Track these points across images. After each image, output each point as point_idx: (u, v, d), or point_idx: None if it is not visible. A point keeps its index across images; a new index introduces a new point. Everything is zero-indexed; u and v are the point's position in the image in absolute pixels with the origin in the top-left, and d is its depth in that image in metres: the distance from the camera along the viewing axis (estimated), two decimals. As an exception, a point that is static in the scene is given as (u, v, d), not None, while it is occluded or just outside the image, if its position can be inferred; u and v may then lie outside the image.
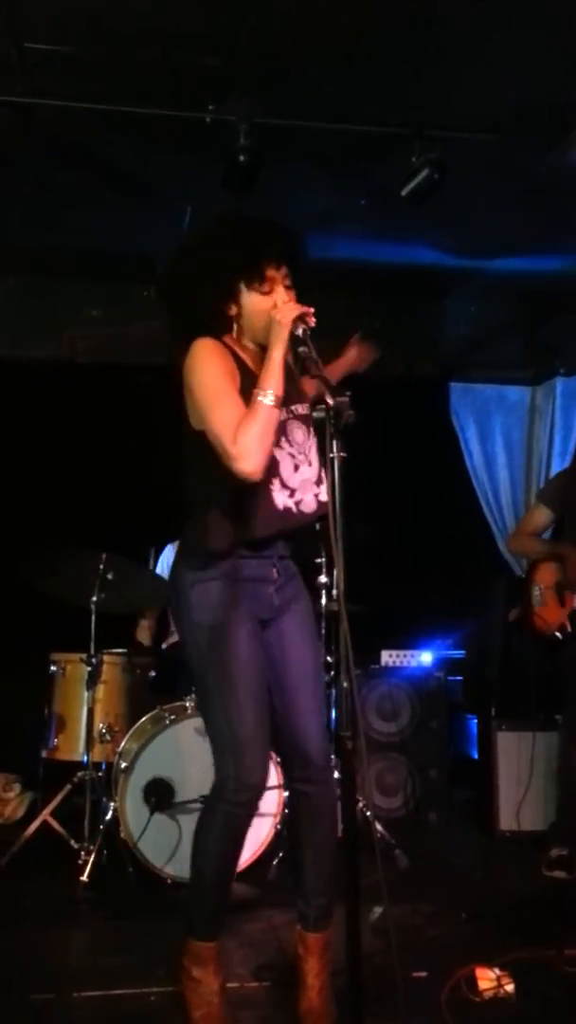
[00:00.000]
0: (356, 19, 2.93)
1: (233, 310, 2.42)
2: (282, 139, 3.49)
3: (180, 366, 2.38)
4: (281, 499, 2.36)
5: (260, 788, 2.40)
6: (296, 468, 2.40)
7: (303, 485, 2.39)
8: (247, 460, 2.20)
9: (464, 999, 2.53)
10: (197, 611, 2.39)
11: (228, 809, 2.35)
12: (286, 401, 2.33)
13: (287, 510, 2.37)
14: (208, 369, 2.33)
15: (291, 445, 2.40)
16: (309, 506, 2.40)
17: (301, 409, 2.43)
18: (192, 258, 2.47)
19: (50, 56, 3.08)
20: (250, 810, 2.39)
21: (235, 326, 2.45)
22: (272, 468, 2.33)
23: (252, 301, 2.39)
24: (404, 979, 2.34)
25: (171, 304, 2.55)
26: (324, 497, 2.39)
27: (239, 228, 2.44)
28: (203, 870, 2.41)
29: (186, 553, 2.49)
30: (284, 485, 2.37)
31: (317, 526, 2.50)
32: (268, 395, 2.22)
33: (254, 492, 2.31)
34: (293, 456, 2.40)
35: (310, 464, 2.42)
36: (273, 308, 2.32)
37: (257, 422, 2.21)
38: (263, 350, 2.34)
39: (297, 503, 2.38)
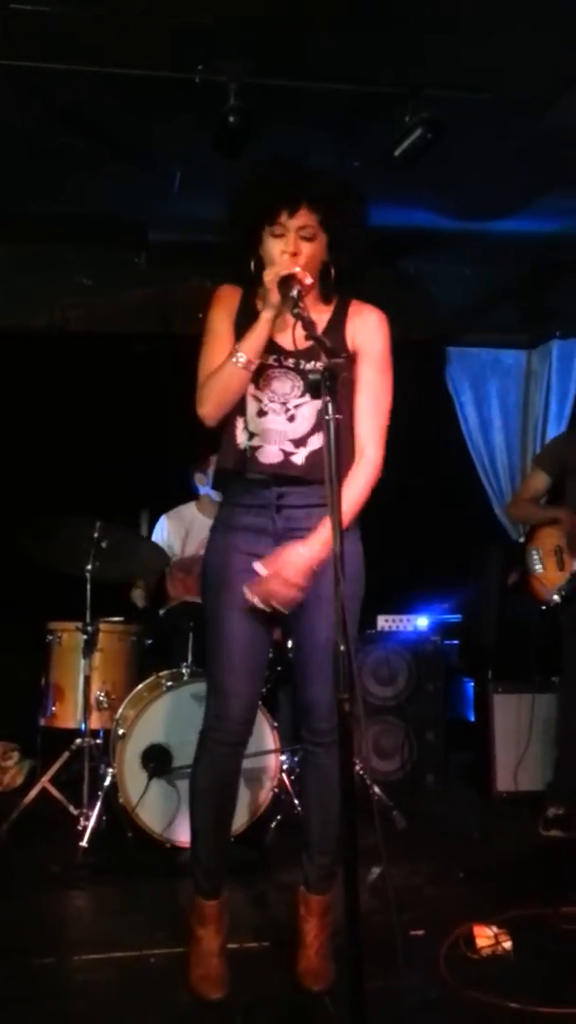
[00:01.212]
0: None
1: (262, 252, 2.40)
2: (273, 100, 3.44)
3: None
4: (242, 438, 2.42)
5: (240, 729, 2.46)
6: (261, 413, 2.40)
7: (267, 433, 2.39)
8: (202, 406, 2.41)
9: (462, 956, 2.56)
10: (207, 555, 2.52)
11: (210, 746, 2.45)
12: (289, 354, 2.39)
13: (241, 451, 2.41)
14: (209, 315, 2.50)
15: (262, 391, 2.40)
16: (268, 456, 2.38)
17: (307, 365, 2.35)
18: (232, 203, 2.45)
19: (37, 16, 3.02)
20: (231, 749, 2.45)
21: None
22: (239, 406, 2.42)
23: (267, 245, 2.37)
24: (402, 937, 2.38)
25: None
26: (299, 460, 2.37)
27: (265, 171, 2.41)
28: (194, 812, 2.49)
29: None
30: (245, 426, 2.42)
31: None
32: (239, 356, 2.32)
33: (226, 428, 2.46)
34: (260, 401, 2.40)
35: (290, 419, 2.39)
36: (274, 258, 2.32)
37: (219, 377, 2.36)
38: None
39: (254, 448, 2.40)
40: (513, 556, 4.46)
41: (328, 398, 1.89)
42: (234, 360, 2.32)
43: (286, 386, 2.40)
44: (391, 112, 3.47)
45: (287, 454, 2.38)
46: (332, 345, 2.09)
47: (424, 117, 3.41)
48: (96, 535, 3.81)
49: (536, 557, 4.03)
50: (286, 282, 2.20)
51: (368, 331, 2.47)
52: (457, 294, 5.40)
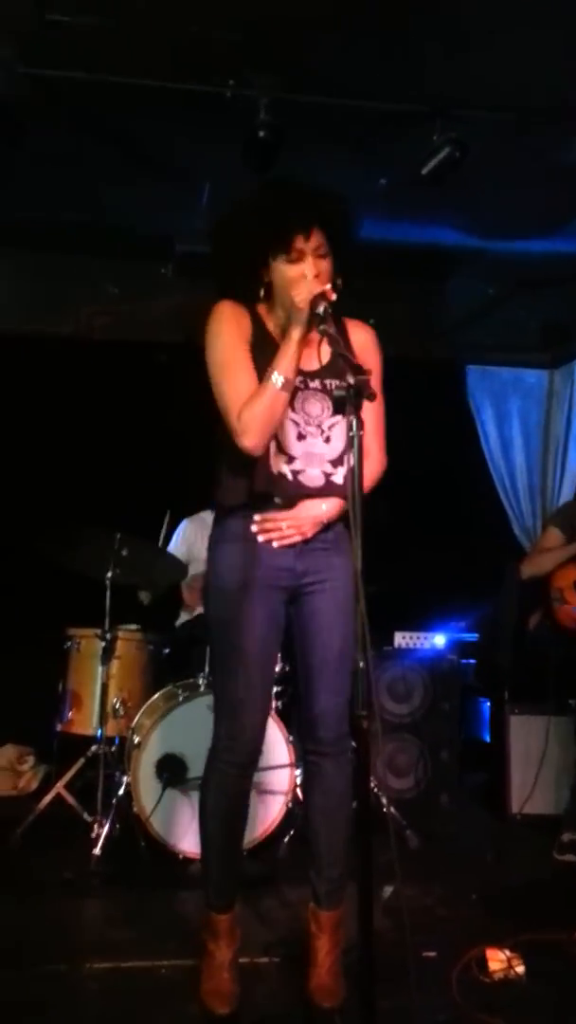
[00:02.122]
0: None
1: (267, 276, 2.40)
2: (302, 116, 3.46)
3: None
4: (278, 464, 2.37)
5: (250, 748, 2.43)
6: (300, 437, 2.38)
7: (307, 456, 2.38)
8: (248, 437, 2.29)
9: (474, 979, 2.54)
10: (212, 573, 2.46)
11: (220, 767, 2.41)
12: (314, 375, 2.37)
13: (281, 476, 2.37)
14: (220, 337, 2.39)
15: (298, 413, 2.39)
16: (312, 480, 2.38)
17: (332, 385, 2.38)
18: (227, 227, 2.46)
19: (72, 28, 3.06)
20: (241, 769, 2.42)
21: (270, 293, 2.43)
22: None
23: (280, 271, 2.37)
24: (415, 958, 2.36)
25: (213, 271, 2.55)
26: (339, 480, 2.37)
27: (270, 196, 2.43)
28: (204, 829, 2.47)
29: (215, 512, 2.56)
30: (282, 450, 2.37)
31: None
32: (278, 378, 2.27)
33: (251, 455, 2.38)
34: (298, 424, 2.38)
35: (327, 440, 2.39)
36: (298, 280, 2.30)
37: (262, 402, 2.27)
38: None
39: (295, 472, 2.38)
40: (530, 589, 4.45)
41: (352, 415, 1.89)
42: (273, 382, 2.26)
43: (317, 407, 2.40)
44: (418, 130, 3.49)
45: (327, 475, 2.39)
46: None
47: (452, 136, 3.43)
48: (116, 545, 3.83)
49: (558, 594, 4.04)
50: (315, 300, 2.21)
51: (368, 349, 2.48)
52: (480, 313, 5.40)
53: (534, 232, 4.57)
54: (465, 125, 3.44)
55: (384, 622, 4.68)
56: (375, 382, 2.41)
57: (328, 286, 2.24)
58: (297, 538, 2.36)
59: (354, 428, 1.88)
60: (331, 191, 2.39)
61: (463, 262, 5.01)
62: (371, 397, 1.93)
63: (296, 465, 2.38)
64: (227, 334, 2.39)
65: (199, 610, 4.32)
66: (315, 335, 2.29)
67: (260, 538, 2.36)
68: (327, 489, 2.38)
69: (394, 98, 3.44)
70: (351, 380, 1.91)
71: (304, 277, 2.30)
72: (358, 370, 1.96)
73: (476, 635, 5.54)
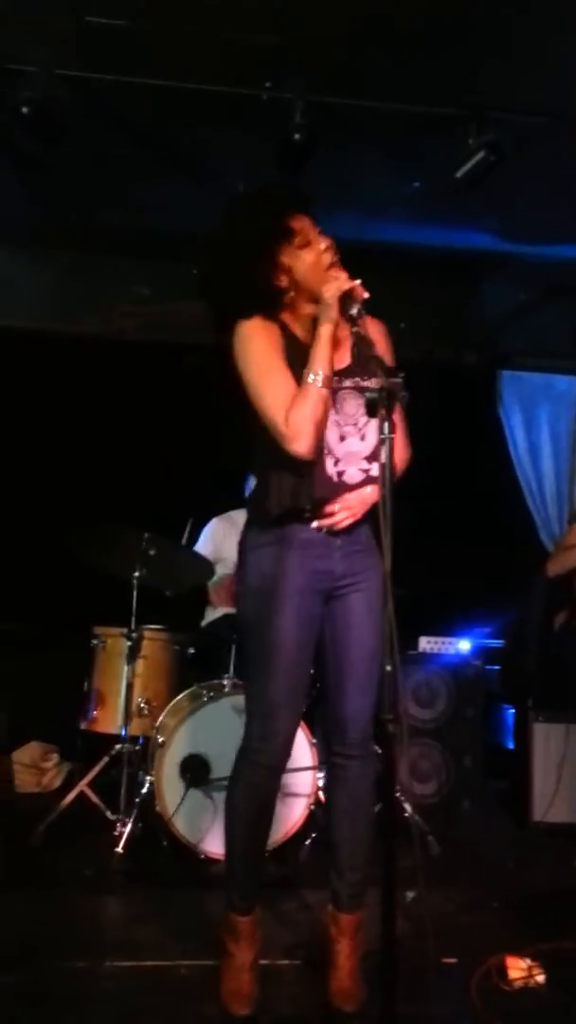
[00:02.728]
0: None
1: (283, 281, 2.38)
2: (337, 118, 3.47)
3: (228, 349, 2.40)
4: (331, 468, 2.38)
5: (282, 752, 2.42)
6: (342, 438, 2.39)
7: (347, 456, 2.38)
8: (299, 441, 2.26)
9: (494, 987, 2.52)
10: (251, 575, 2.44)
11: (250, 769, 2.41)
12: (345, 373, 2.37)
13: (330, 478, 2.38)
14: (254, 348, 2.36)
15: (338, 414, 2.38)
16: (353, 478, 2.38)
17: (363, 382, 2.36)
18: (223, 244, 2.43)
19: (109, 30, 3.08)
20: (271, 772, 2.42)
21: (289, 301, 2.42)
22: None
23: (297, 260, 2.35)
24: (435, 964, 2.35)
25: (216, 294, 2.49)
26: (375, 473, 2.33)
27: (246, 199, 2.46)
28: (229, 830, 2.47)
29: (250, 518, 2.53)
30: (330, 452, 2.38)
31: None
32: (317, 376, 2.25)
33: (304, 464, 2.34)
34: (339, 425, 2.38)
35: (362, 438, 2.39)
36: (317, 265, 2.31)
37: (307, 403, 2.25)
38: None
39: (340, 472, 2.38)
40: (558, 584, 4.42)
41: (385, 417, 1.89)
42: (312, 381, 2.25)
43: (352, 406, 2.39)
44: (451, 134, 3.49)
45: (365, 472, 2.39)
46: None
47: (488, 139, 3.42)
48: (144, 544, 3.84)
49: None
50: (346, 297, 2.20)
51: (384, 342, 2.48)
52: (511, 317, 5.38)
53: (567, 237, 4.55)
54: (501, 128, 3.43)
55: (409, 626, 4.68)
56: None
57: (359, 281, 2.24)
58: (350, 520, 2.37)
59: (386, 431, 1.87)
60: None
61: (495, 266, 4.99)
62: (404, 400, 1.92)
63: (341, 466, 2.39)
64: (260, 344, 2.36)
65: (225, 610, 4.32)
66: (343, 332, 2.30)
67: (314, 524, 2.36)
68: (366, 484, 2.39)
69: (429, 101, 3.44)
70: (378, 383, 1.90)
71: (322, 259, 2.31)
72: (391, 372, 1.96)
73: (501, 641, 5.51)
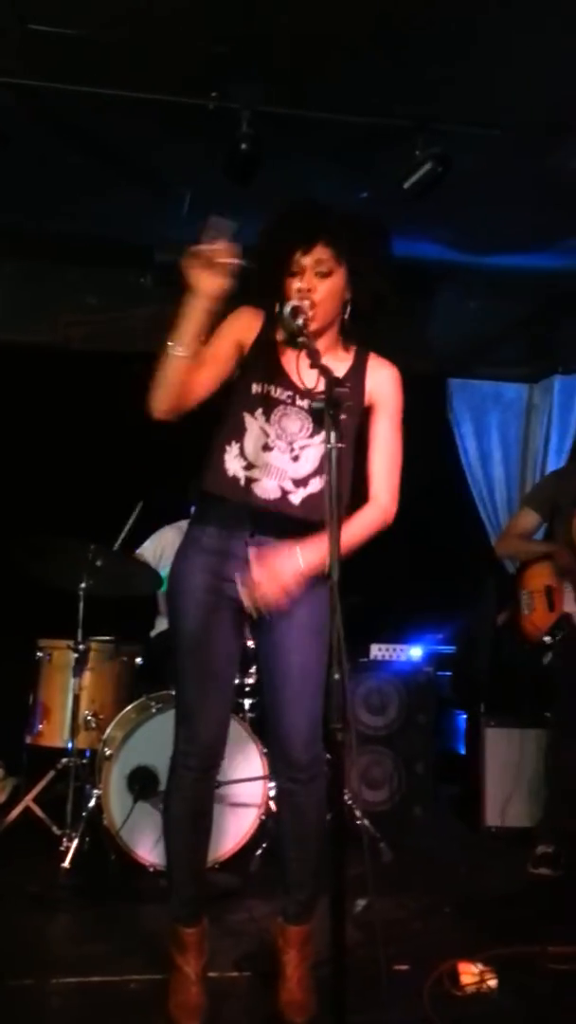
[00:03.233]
0: (364, 9, 2.91)
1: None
2: (285, 128, 3.48)
3: None
4: (233, 466, 2.38)
5: (208, 755, 2.43)
6: (266, 448, 2.37)
7: (268, 468, 2.36)
8: (152, 402, 2.33)
9: (446, 993, 2.52)
10: (173, 577, 2.47)
11: (181, 772, 2.42)
12: (304, 393, 2.35)
13: (235, 479, 2.36)
14: (221, 324, 2.40)
15: (272, 426, 2.37)
16: (266, 492, 2.35)
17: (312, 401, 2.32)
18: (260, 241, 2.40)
19: (54, 38, 3.06)
20: (200, 775, 2.42)
21: None
22: (235, 431, 2.39)
23: (287, 285, 2.34)
24: (386, 971, 2.35)
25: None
26: (296, 500, 2.36)
27: (283, 212, 2.39)
28: (167, 838, 2.48)
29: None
30: (243, 454, 2.37)
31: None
32: (172, 346, 2.27)
33: (215, 448, 2.41)
34: (267, 434, 2.37)
35: (294, 459, 2.37)
36: (292, 293, 2.30)
37: (161, 368, 2.30)
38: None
39: (250, 479, 2.36)
40: (506, 592, 4.45)
41: (331, 427, 1.89)
42: (168, 349, 2.28)
43: (295, 425, 2.38)
44: (401, 144, 3.51)
45: (285, 492, 2.37)
46: (350, 386, 2.08)
47: (435, 152, 3.45)
48: (90, 554, 3.80)
49: (526, 597, 4.02)
50: (294, 313, 2.20)
51: (388, 388, 2.47)
52: (461, 327, 5.43)
53: (517, 247, 4.60)
54: (448, 140, 3.46)
55: (360, 634, 4.68)
56: (392, 423, 2.46)
57: (305, 303, 2.24)
58: (284, 599, 2.23)
59: (332, 441, 1.87)
60: (350, 210, 2.39)
61: (446, 276, 5.03)
62: (349, 410, 1.92)
63: (254, 473, 2.37)
64: (225, 325, 2.41)
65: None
66: (325, 352, 2.30)
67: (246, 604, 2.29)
68: (280, 504, 2.35)
69: (376, 112, 3.46)
70: (328, 393, 1.90)
71: (296, 292, 2.30)
72: (336, 383, 1.96)
73: (452, 647, 5.55)
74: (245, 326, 2.43)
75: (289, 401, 2.39)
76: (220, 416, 2.45)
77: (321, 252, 2.31)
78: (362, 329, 2.46)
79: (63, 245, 4.72)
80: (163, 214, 4.34)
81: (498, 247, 4.63)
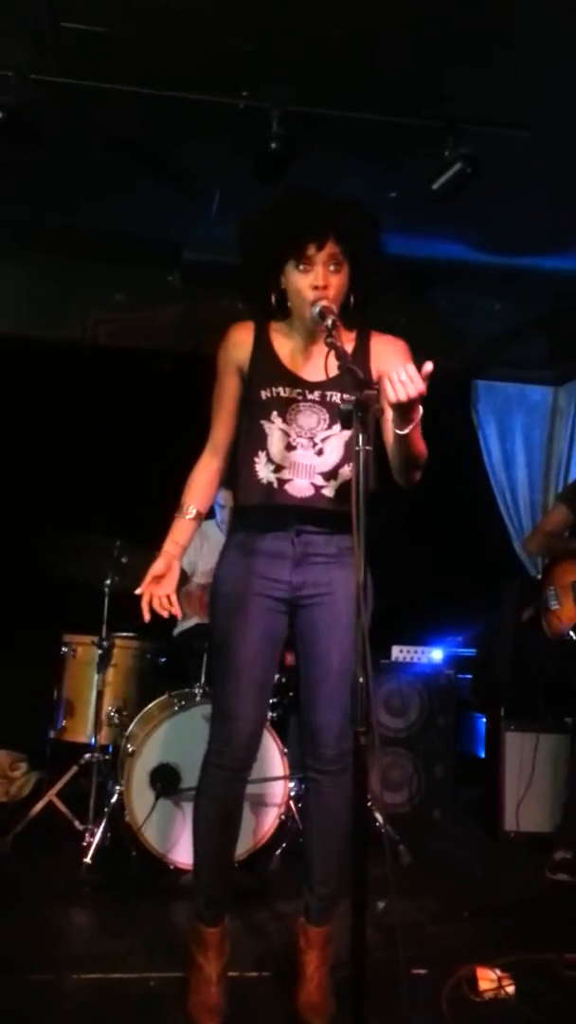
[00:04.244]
0: (395, 9, 2.90)
1: (284, 282, 2.39)
2: (315, 128, 3.47)
3: None
4: (265, 472, 2.39)
5: (243, 755, 2.42)
6: (290, 447, 2.38)
7: (295, 466, 2.38)
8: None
9: (464, 998, 2.52)
10: (216, 576, 2.50)
11: (212, 771, 2.42)
12: (314, 387, 2.39)
13: (268, 484, 2.38)
14: (219, 357, 2.51)
15: (289, 424, 2.39)
16: (300, 491, 2.37)
17: (335, 397, 2.38)
18: (249, 229, 2.44)
19: (86, 36, 3.07)
20: (234, 775, 2.42)
21: (286, 306, 2.43)
22: (259, 440, 2.40)
23: (291, 279, 2.36)
24: (405, 976, 2.35)
25: (235, 274, 2.54)
26: (329, 493, 2.37)
27: (290, 201, 2.40)
28: (196, 837, 2.47)
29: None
30: (270, 459, 2.39)
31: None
32: (188, 510, 2.49)
33: (244, 462, 2.44)
34: (288, 435, 2.39)
35: (318, 453, 2.39)
36: (302, 294, 2.32)
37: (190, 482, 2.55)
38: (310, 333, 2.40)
39: (282, 480, 2.38)
40: (530, 592, 4.44)
41: (360, 429, 1.88)
42: (184, 512, 2.49)
43: (312, 420, 2.40)
44: (429, 145, 3.50)
45: (317, 488, 2.38)
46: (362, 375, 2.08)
47: (464, 152, 3.44)
48: (116, 550, 3.82)
49: (553, 592, 4.00)
50: (322, 314, 2.21)
51: (393, 359, 2.42)
52: (486, 328, 5.41)
53: (542, 249, 4.58)
54: (477, 141, 3.45)
55: (382, 635, 4.68)
56: (422, 443, 2.37)
57: (323, 302, 2.24)
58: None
59: (360, 443, 1.87)
60: (353, 203, 2.38)
61: (471, 277, 5.01)
62: (379, 412, 1.92)
63: (284, 474, 2.39)
64: (221, 359, 2.50)
65: (196, 619, 4.31)
66: (316, 347, 2.33)
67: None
68: (315, 500, 2.37)
69: (406, 113, 3.45)
70: (352, 396, 1.89)
71: (306, 293, 2.31)
72: (365, 384, 1.95)
73: (473, 650, 5.54)
74: (237, 350, 2.48)
75: (300, 397, 2.41)
76: (240, 433, 2.49)
77: (332, 247, 2.32)
78: (360, 316, 2.46)
79: (92, 243, 4.74)
80: (192, 212, 4.35)
81: (524, 248, 4.61)
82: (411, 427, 2.11)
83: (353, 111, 3.44)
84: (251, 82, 3.29)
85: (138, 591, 2.41)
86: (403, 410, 2.06)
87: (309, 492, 2.38)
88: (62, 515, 4.57)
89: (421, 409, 2.09)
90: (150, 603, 2.39)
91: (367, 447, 1.88)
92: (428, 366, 2.00)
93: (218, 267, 4.69)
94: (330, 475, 2.38)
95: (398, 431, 2.11)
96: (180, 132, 3.66)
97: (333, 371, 2.34)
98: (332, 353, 2.10)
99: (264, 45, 3.10)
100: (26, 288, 4.93)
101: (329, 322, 2.17)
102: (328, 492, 2.38)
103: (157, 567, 2.42)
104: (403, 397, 1.99)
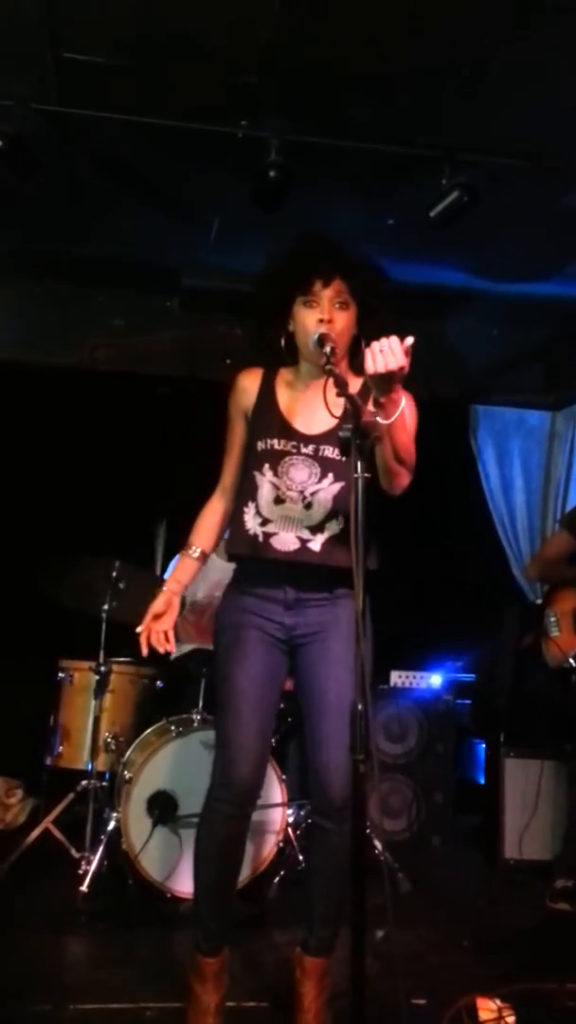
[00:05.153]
0: (392, 40, 2.94)
1: (291, 323, 2.45)
2: (313, 157, 3.50)
3: None
4: (253, 524, 2.43)
5: (244, 791, 2.39)
6: (279, 501, 2.41)
7: (283, 521, 2.40)
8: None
9: (464, 1029, 2.50)
10: (218, 615, 2.54)
11: (213, 805, 2.41)
12: (308, 440, 2.43)
13: (254, 536, 2.42)
14: (228, 403, 2.59)
15: (279, 477, 2.42)
16: (285, 544, 2.39)
17: (328, 452, 2.42)
18: (261, 277, 2.52)
19: (86, 67, 3.10)
20: (235, 811, 2.40)
21: (294, 350, 2.50)
22: (250, 491, 2.45)
23: (298, 315, 2.42)
24: (405, 1006, 2.32)
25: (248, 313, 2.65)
26: (315, 547, 2.38)
27: (301, 242, 2.47)
28: (196, 868, 2.46)
29: None
30: (258, 511, 2.43)
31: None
32: (193, 550, 2.59)
33: (236, 511, 2.50)
34: (278, 488, 2.42)
35: (307, 507, 2.40)
36: (307, 330, 2.36)
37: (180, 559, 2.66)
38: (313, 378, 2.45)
39: (268, 534, 2.40)
40: (530, 618, 4.43)
41: (358, 456, 1.89)
42: (191, 552, 2.60)
43: (303, 474, 2.42)
44: (427, 173, 3.53)
45: (304, 541, 2.40)
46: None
47: (461, 181, 3.47)
48: (114, 575, 3.81)
49: (553, 620, 4.00)
50: (321, 341, 2.23)
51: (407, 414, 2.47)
52: (484, 353, 5.44)
53: (540, 275, 4.61)
54: (474, 170, 3.48)
55: (381, 660, 4.65)
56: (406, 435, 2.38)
57: (323, 329, 2.30)
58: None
59: (358, 471, 1.87)
60: (361, 250, 2.48)
61: (469, 303, 5.04)
62: (377, 440, 1.93)
63: (270, 528, 2.41)
64: (231, 406, 2.57)
65: (194, 644, 4.29)
66: (317, 398, 2.34)
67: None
68: (301, 554, 2.39)
69: (404, 142, 3.48)
70: (355, 422, 1.90)
71: (311, 327, 2.35)
72: (364, 412, 1.96)
73: (472, 675, 5.52)
74: (244, 396, 2.55)
75: (293, 451, 2.44)
76: (239, 480, 2.56)
77: (339, 286, 2.39)
78: None
79: (92, 269, 4.77)
80: (191, 239, 4.38)
81: (520, 274, 4.64)
82: (396, 414, 2.10)
83: (351, 140, 3.47)
84: (250, 111, 3.32)
85: (138, 629, 2.48)
86: (383, 384, 2.04)
87: (295, 546, 2.40)
88: (59, 540, 4.57)
89: (404, 401, 2.10)
90: (148, 638, 2.45)
91: (365, 474, 1.89)
92: (409, 340, 2.01)
93: (216, 293, 4.73)
94: (316, 529, 2.40)
95: (381, 420, 2.10)
96: (179, 160, 3.69)
97: (329, 423, 2.38)
98: (331, 380, 2.11)
99: (263, 75, 3.13)
100: (25, 313, 4.95)
101: (328, 349, 2.19)
102: (314, 546, 2.39)
103: (157, 605, 2.49)
104: (382, 368, 2.00)
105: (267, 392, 2.51)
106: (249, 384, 2.54)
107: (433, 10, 2.77)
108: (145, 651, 2.47)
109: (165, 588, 2.54)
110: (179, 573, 2.58)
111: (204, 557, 2.60)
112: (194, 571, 2.59)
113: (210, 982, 2.40)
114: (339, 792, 2.34)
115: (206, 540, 2.60)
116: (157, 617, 2.49)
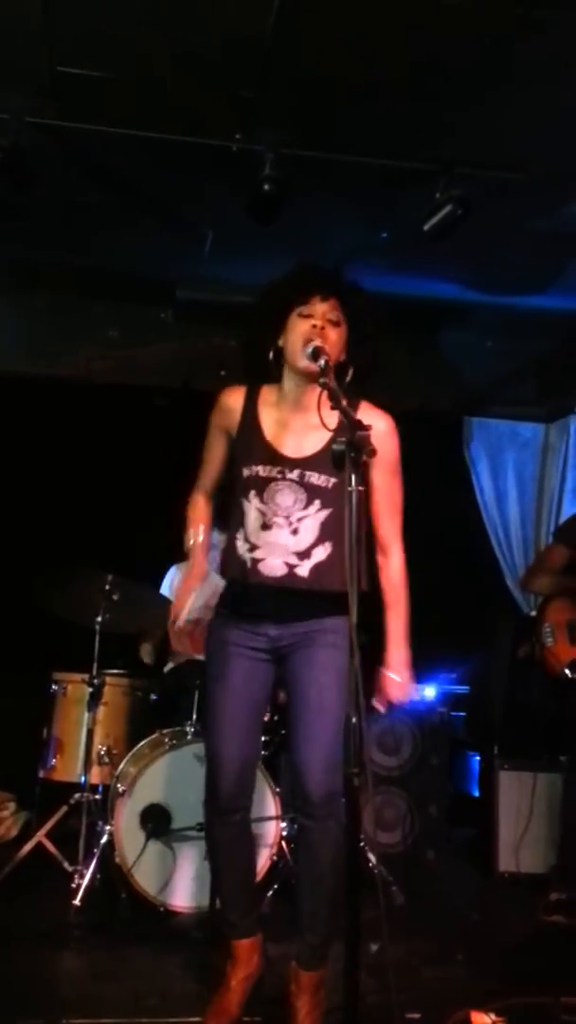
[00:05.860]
0: (388, 54, 2.95)
1: (282, 340, 2.50)
2: (307, 170, 3.51)
3: None
4: (242, 550, 2.47)
5: (226, 797, 2.49)
6: (266, 527, 2.44)
7: (270, 547, 2.43)
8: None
9: (459, 1044, 2.49)
10: (208, 640, 2.59)
11: (206, 814, 2.60)
12: (293, 465, 2.46)
13: (243, 562, 2.46)
14: (210, 419, 2.65)
15: (266, 504, 2.45)
16: (272, 569, 2.43)
17: (313, 478, 2.44)
18: (262, 293, 2.60)
19: (82, 80, 3.11)
20: (222, 817, 2.51)
21: (280, 369, 2.54)
22: (239, 518, 2.50)
23: (293, 324, 2.47)
24: (399, 1019, 2.31)
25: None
26: (303, 572, 2.41)
27: (302, 265, 2.57)
28: (210, 867, 2.70)
29: None
30: (246, 538, 2.46)
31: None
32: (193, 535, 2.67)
33: (229, 537, 2.56)
34: (264, 514, 2.44)
35: (294, 532, 2.43)
36: (304, 336, 2.40)
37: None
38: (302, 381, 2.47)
39: (256, 560, 2.43)
40: (524, 630, 4.43)
41: (352, 469, 1.90)
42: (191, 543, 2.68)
43: (289, 499, 2.45)
44: (422, 186, 3.54)
45: (291, 567, 2.43)
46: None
47: (455, 194, 3.48)
48: (108, 587, 3.80)
49: (548, 631, 4.01)
50: (315, 353, 2.25)
51: (378, 437, 2.38)
52: (478, 366, 5.46)
53: (533, 288, 4.63)
54: (469, 183, 3.49)
55: (374, 672, 4.63)
56: (388, 470, 2.54)
57: (317, 342, 2.34)
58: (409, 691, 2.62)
59: (352, 483, 1.88)
60: (353, 282, 2.56)
61: (462, 315, 5.06)
62: (371, 453, 1.94)
63: (258, 553, 2.44)
64: (212, 423, 2.63)
65: (187, 656, 4.28)
66: (301, 421, 2.42)
67: None
68: (288, 579, 2.42)
69: (398, 155, 3.49)
70: (349, 436, 1.91)
71: (302, 334, 2.40)
72: (358, 426, 1.97)
73: (466, 687, 5.51)
74: (227, 416, 2.60)
75: (279, 476, 2.46)
76: (217, 481, 2.68)
77: (335, 304, 2.47)
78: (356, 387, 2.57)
79: (87, 281, 4.79)
80: (185, 252, 4.39)
81: (515, 287, 4.66)
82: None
83: (345, 154, 3.48)
84: (245, 125, 3.33)
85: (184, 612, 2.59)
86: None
87: (282, 571, 2.42)
88: (53, 552, 4.55)
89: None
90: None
91: (359, 487, 1.90)
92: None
93: (211, 305, 4.75)
94: (303, 555, 2.43)
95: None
96: (175, 173, 3.71)
97: (312, 447, 2.43)
98: (325, 394, 2.13)
99: (258, 89, 3.14)
100: (20, 325, 4.97)
101: (322, 362, 2.21)
102: (302, 572, 2.42)
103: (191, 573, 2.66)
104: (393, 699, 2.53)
105: (250, 414, 2.54)
106: (233, 403, 2.58)
107: (429, 25, 2.79)
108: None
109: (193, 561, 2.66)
110: (196, 552, 2.68)
111: (207, 542, 2.69)
112: (206, 548, 2.67)
113: (239, 961, 2.52)
114: (317, 789, 2.38)
115: (202, 521, 2.69)
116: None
